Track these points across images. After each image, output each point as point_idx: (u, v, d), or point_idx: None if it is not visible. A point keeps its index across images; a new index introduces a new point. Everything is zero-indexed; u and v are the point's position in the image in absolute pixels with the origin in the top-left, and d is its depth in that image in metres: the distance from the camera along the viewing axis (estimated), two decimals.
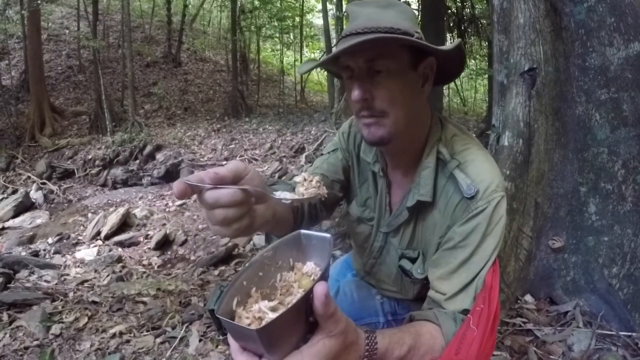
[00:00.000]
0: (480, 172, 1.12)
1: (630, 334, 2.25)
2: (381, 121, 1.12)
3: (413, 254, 1.27)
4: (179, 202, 8.23)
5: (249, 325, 0.71)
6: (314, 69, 1.24)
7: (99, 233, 6.72)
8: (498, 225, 1.09)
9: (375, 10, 1.10)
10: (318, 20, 20.42)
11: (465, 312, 1.05)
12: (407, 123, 1.13)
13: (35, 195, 9.51)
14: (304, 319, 0.73)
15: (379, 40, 1.02)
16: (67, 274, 4.98)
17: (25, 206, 8.94)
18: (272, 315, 0.72)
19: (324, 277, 0.78)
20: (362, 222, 1.42)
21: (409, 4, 7.78)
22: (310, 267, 0.88)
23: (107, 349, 2.74)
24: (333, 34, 13.08)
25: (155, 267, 5.35)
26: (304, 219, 1.34)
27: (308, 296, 0.70)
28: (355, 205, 1.43)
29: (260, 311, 0.74)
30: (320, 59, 1.19)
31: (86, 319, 3.12)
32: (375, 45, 1.05)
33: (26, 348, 2.76)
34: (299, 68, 1.26)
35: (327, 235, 0.89)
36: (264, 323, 0.70)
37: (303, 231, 0.92)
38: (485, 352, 1.01)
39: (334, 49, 1.08)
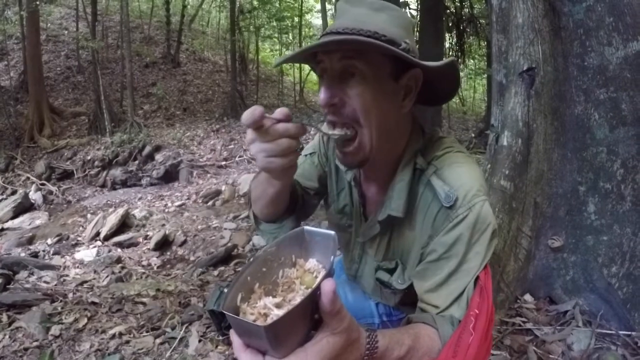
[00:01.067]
0: (459, 176, 1.05)
1: (629, 333, 2.25)
2: (357, 149, 1.06)
3: (390, 264, 1.23)
4: (178, 203, 8.24)
5: (254, 321, 0.71)
6: (291, 62, 1.17)
7: (98, 234, 6.72)
8: (485, 232, 1.04)
9: (365, 12, 1.02)
10: (317, 21, 20.44)
11: (458, 321, 1.03)
12: (381, 139, 1.06)
13: (35, 196, 9.51)
14: (309, 316, 0.74)
15: (355, 43, 0.96)
16: (67, 275, 4.98)
17: (24, 207, 8.94)
18: (277, 312, 0.72)
19: (329, 274, 0.78)
20: (341, 230, 1.37)
21: (407, 4, 7.77)
22: (313, 264, 0.88)
23: (107, 349, 2.73)
24: None
25: (155, 268, 5.35)
26: (297, 204, 1.30)
27: (315, 293, 0.71)
28: (333, 212, 1.40)
29: (266, 307, 0.74)
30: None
31: (86, 320, 3.12)
32: (353, 47, 0.98)
33: (26, 349, 2.76)
34: (275, 61, 1.20)
35: (331, 232, 0.89)
36: (270, 320, 0.70)
37: (307, 228, 0.92)
38: (482, 354, 1.00)
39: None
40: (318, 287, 0.70)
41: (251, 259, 0.86)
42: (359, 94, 1.00)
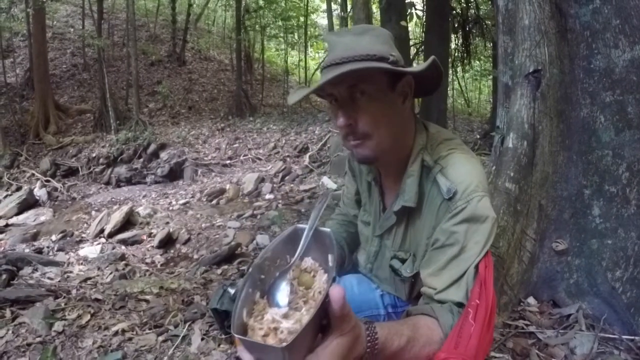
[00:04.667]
0: (460, 174, 1.17)
1: (632, 337, 2.24)
2: (365, 143, 1.20)
3: (404, 255, 1.34)
4: (182, 201, 8.26)
5: (265, 336, 0.73)
6: (304, 98, 1.32)
7: (102, 231, 6.74)
8: (484, 224, 1.14)
9: (351, 39, 1.17)
10: (323, 20, 20.44)
11: (458, 305, 1.10)
12: (391, 141, 1.22)
13: (39, 193, 9.55)
14: (319, 324, 0.76)
15: (360, 70, 1.10)
16: (70, 272, 4.99)
17: (29, 203, 8.98)
18: (285, 324, 0.73)
19: (333, 278, 0.79)
20: (363, 225, 1.54)
21: (413, 5, 7.77)
22: (310, 263, 0.88)
23: (110, 346, 2.74)
24: None
25: (158, 266, 5.36)
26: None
27: (324, 302, 0.71)
28: (361, 211, 1.57)
29: (274, 321, 0.75)
30: (307, 86, 1.31)
31: (89, 317, 3.12)
32: (354, 72, 1.10)
33: (29, 345, 2.77)
34: (290, 98, 1.32)
35: (327, 229, 0.88)
36: (280, 334, 0.72)
37: (300, 226, 0.92)
38: (484, 346, 1.04)
39: (320, 74, 1.17)
40: (326, 296, 0.71)
41: (249, 269, 0.86)
42: (370, 111, 1.17)
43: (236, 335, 0.73)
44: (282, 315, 0.76)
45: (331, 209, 1.73)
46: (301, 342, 0.70)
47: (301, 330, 0.68)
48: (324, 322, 0.76)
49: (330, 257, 0.85)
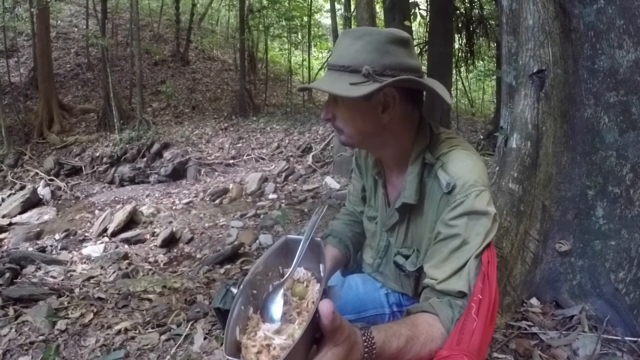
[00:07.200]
0: (459, 169, 1.20)
1: (635, 339, 2.23)
2: (339, 133, 1.32)
3: (408, 251, 1.38)
4: (185, 200, 8.27)
5: (258, 353, 0.74)
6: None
7: (105, 230, 6.76)
8: (484, 218, 1.16)
9: (348, 42, 1.22)
10: (326, 20, 20.40)
11: (459, 294, 1.12)
12: (361, 140, 1.31)
13: (43, 192, 9.57)
14: (311, 338, 0.76)
15: (319, 90, 1.26)
16: (74, 270, 5.01)
17: (32, 202, 9.01)
18: (278, 340, 0.73)
19: (324, 291, 0.78)
20: (369, 220, 1.56)
21: (417, 5, 7.75)
22: (302, 273, 0.88)
23: (112, 345, 2.75)
24: None
25: (161, 265, 5.37)
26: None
27: (314, 316, 0.71)
28: (366, 207, 1.59)
29: (266, 338, 0.75)
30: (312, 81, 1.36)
31: (92, 315, 3.14)
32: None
33: (32, 343, 2.78)
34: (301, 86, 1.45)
35: (317, 239, 0.88)
36: (274, 351, 0.72)
37: (290, 237, 0.92)
38: (486, 341, 1.06)
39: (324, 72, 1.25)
40: (316, 311, 0.71)
41: (240, 285, 0.86)
42: (342, 113, 1.27)
43: (227, 357, 0.73)
44: (274, 331, 0.76)
45: (334, 209, 1.75)
46: (294, 357, 0.70)
47: (293, 345, 0.68)
48: (317, 335, 0.76)
49: (321, 266, 0.84)
